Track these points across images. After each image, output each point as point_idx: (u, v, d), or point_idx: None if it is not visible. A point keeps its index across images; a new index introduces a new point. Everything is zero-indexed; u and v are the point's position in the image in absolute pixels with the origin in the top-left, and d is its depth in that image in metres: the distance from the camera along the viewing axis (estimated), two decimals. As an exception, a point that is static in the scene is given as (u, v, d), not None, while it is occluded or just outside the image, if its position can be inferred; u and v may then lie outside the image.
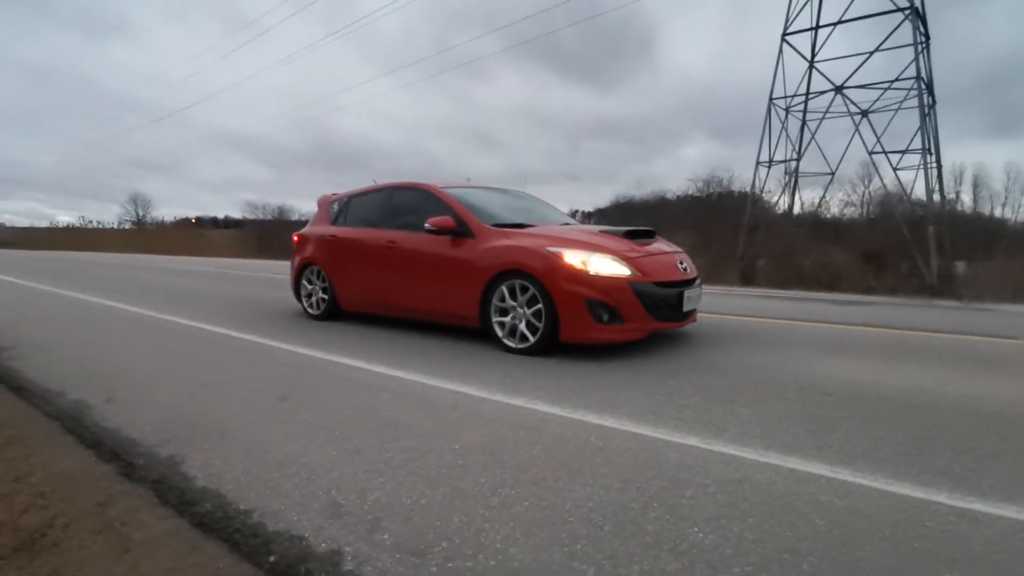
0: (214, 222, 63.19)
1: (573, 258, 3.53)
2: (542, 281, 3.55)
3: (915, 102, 15.06)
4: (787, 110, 17.79)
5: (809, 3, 16.66)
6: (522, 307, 3.67)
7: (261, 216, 37.82)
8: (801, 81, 17.65)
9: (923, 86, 15.08)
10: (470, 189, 4.79)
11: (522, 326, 3.68)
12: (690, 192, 26.05)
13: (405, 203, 4.81)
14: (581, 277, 3.47)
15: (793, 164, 18.39)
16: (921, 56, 15.09)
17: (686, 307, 3.80)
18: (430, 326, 4.65)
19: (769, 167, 18.01)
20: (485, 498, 1.68)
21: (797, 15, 17.03)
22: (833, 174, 18.88)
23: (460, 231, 4.12)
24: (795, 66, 20.75)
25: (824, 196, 20.45)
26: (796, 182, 18.93)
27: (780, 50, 17.05)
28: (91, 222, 62.58)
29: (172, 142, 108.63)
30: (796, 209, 19.69)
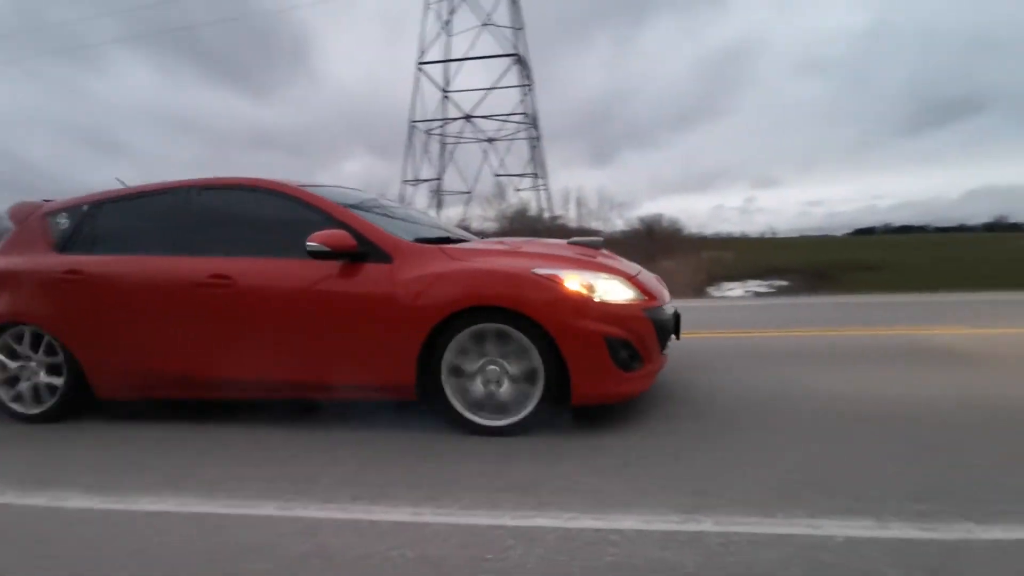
0: None
1: (575, 283, 2.53)
2: (538, 319, 2.44)
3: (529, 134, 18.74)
4: (428, 132, 19.94)
5: (440, 37, 18.98)
6: (505, 359, 2.52)
7: None
8: (438, 107, 19.97)
9: (531, 121, 18.91)
10: (340, 190, 3.31)
11: (502, 391, 2.54)
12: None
13: (231, 213, 3.01)
14: (592, 309, 2.49)
15: (437, 183, 20.75)
16: (528, 96, 18.93)
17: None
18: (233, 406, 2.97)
19: (416, 185, 19.87)
20: None
21: (430, 46, 19.22)
22: (470, 193, 22.05)
23: (363, 252, 2.68)
24: (437, 92, 23.31)
25: (465, 212, 23.44)
26: (440, 199, 21.46)
27: (416, 77, 18.94)
28: None
29: None
30: (443, 224, 22.29)
